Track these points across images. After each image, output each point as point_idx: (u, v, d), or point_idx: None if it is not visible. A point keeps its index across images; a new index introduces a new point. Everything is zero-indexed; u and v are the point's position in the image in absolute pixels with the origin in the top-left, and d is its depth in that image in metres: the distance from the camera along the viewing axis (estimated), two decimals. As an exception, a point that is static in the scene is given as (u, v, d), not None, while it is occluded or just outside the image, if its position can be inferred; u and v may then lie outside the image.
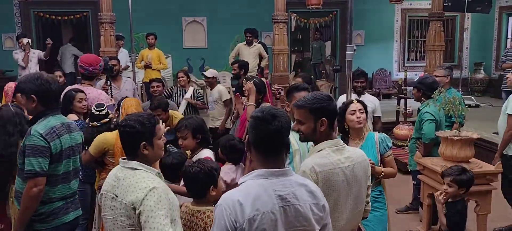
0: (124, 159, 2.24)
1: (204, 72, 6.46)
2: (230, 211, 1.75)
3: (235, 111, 5.16)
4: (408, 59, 12.68)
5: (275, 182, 1.82)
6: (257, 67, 8.61)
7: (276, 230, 1.77)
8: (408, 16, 12.31)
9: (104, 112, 3.78)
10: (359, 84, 5.15)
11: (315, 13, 11.05)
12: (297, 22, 11.79)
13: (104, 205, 2.23)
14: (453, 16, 12.26)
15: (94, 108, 3.79)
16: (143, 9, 9.85)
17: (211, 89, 6.33)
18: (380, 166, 3.26)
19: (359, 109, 3.25)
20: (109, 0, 7.43)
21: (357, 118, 3.23)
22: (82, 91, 4.18)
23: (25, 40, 8.00)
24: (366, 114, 3.35)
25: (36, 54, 8.16)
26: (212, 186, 2.60)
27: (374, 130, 3.84)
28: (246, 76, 5.25)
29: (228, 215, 1.74)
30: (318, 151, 2.30)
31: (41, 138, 2.66)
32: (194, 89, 6.33)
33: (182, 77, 6.28)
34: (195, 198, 2.66)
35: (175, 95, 6.31)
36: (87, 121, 3.91)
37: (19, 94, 2.84)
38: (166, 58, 9.18)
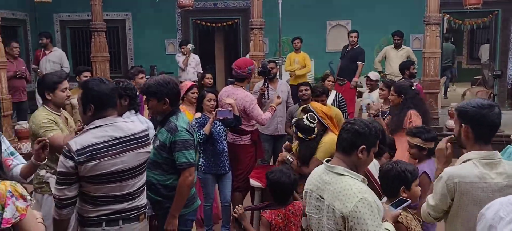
0: (328, 160, 2.32)
1: (368, 75, 6.45)
2: None
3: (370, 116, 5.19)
4: None
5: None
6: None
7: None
8: None
9: (312, 125, 3.73)
10: None
11: (471, 14, 10.15)
12: (450, 24, 10.98)
13: (309, 203, 2.37)
14: None
15: (306, 118, 3.78)
16: (288, 14, 10.13)
17: (370, 92, 6.26)
18: None
19: None
20: (260, 7, 7.83)
21: None
22: (213, 93, 4.56)
23: (188, 47, 8.82)
24: None
25: (195, 59, 8.94)
26: (402, 187, 2.65)
27: None
28: (384, 80, 5.12)
29: None
30: (464, 161, 2.20)
31: (187, 132, 3.00)
32: (336, 93, 6.31)
33: (331, 81, 6.28)
34: (387, 197, 2.75)
35: (318, 99, 6.36)
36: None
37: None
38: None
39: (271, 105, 4.90)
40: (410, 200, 2.55)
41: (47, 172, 3.24)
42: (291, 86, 8.51)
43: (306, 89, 5.57)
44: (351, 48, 8.32)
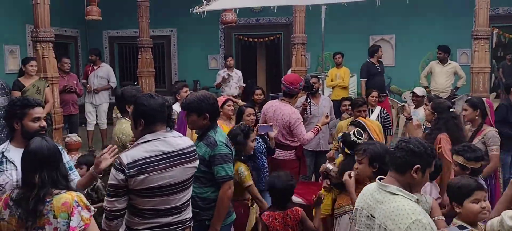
0: (381, 179, 2.28)
1: (414, 90, 6.33)
2: None
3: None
4: None
5: None
6: (451, 88, 8.01)
7: None
8: None
9: (359, 141, 3.63)
10: None
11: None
12: (499, 38, 10.61)
13: (359, 220, 2.34)
14: None
15: (353, 134, 3.72)
16: (331, 29, 10.04)
17: (416, 108, 6.13)
18: None
19: None
20: (302, 22, 7.86)
21: None
22: (252, 107, 4.63)
23: (229, 62, 8.91)
24: None
25: (238, 74, 9.01)
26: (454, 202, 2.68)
27: None
28: (429, 95, 4.98)
29: None
30: None
31: (227, 147, 3.07)
32: (381, 109, 6.19)
33: (375, 96, 6.17)
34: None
35: (362, 114, 6.25)
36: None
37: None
38: (351, 77, 9.24)
39: (316, 125, 4.82)
40: (470, 227, 2.43)
41: None
42: (332, 101, 8.46)
43: (349, 105, 5.51)
44: (379, 63, 8.09)
